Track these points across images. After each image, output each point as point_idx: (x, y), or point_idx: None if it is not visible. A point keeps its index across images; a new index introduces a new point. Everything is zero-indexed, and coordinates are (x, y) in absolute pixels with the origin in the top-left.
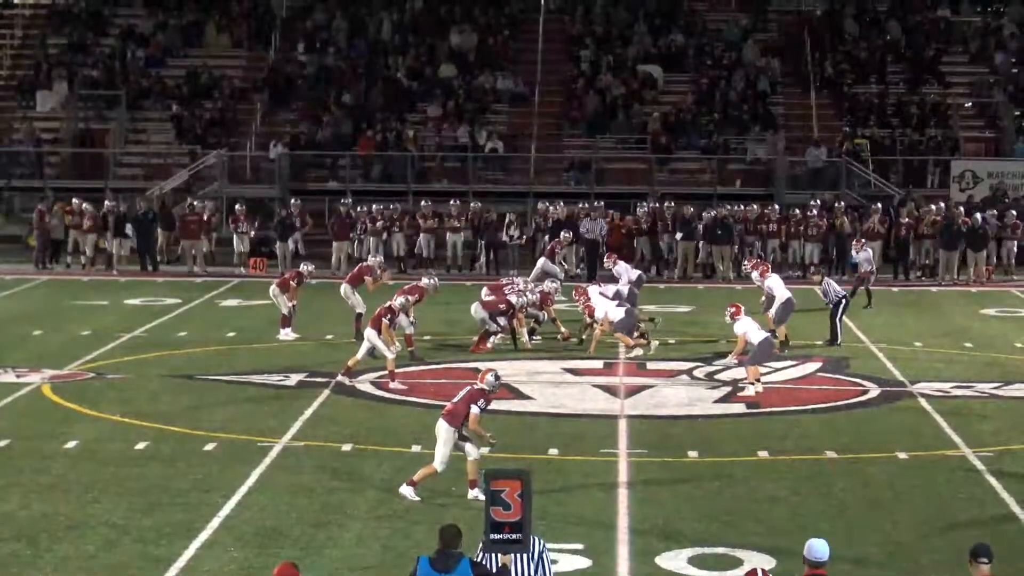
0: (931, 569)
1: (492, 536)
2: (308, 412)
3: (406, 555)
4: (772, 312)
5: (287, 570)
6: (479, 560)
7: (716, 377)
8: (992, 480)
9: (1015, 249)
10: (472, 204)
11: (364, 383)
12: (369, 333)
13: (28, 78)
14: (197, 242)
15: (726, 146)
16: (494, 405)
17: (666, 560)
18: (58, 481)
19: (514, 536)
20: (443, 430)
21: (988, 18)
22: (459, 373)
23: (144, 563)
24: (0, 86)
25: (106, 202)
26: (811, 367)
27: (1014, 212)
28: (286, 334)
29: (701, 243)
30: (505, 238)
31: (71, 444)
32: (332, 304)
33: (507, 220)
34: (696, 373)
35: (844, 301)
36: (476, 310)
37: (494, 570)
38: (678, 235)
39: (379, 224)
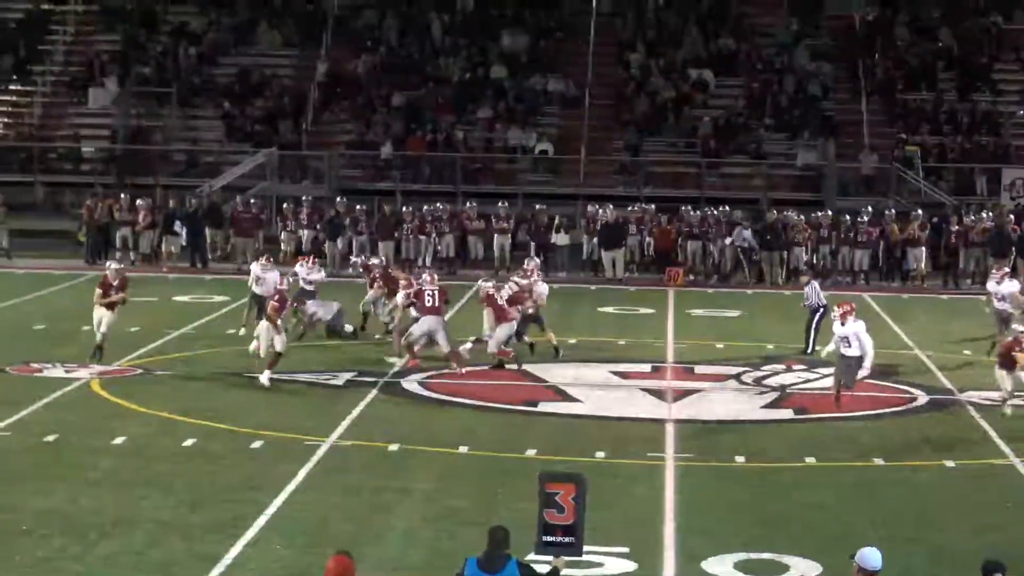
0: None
1: (544, 538)
2: (355, 411)
3: (452, 556)
4: (866, 369)
5: (344, 560)
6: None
7: (764, 382)
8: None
9: None
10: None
11: (412, 383)
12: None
13: (80, 75)
14: (249, 240)
15: (776, 151)
16: (544, 407)
17: (712, 565)
18: (106, 477)
19: (566, 539)
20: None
21: None
22: (503, 375)
23: (191, 560)
24: (53, 83)
25: (171, 201)
26: (861, 374)
27: None
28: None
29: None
30: (554, 240)
31: (119, 440)
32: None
33: (556, 222)
34: (744, 378)
35: (823, 310)
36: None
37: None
38: (727, 239)
39: (425, 224)
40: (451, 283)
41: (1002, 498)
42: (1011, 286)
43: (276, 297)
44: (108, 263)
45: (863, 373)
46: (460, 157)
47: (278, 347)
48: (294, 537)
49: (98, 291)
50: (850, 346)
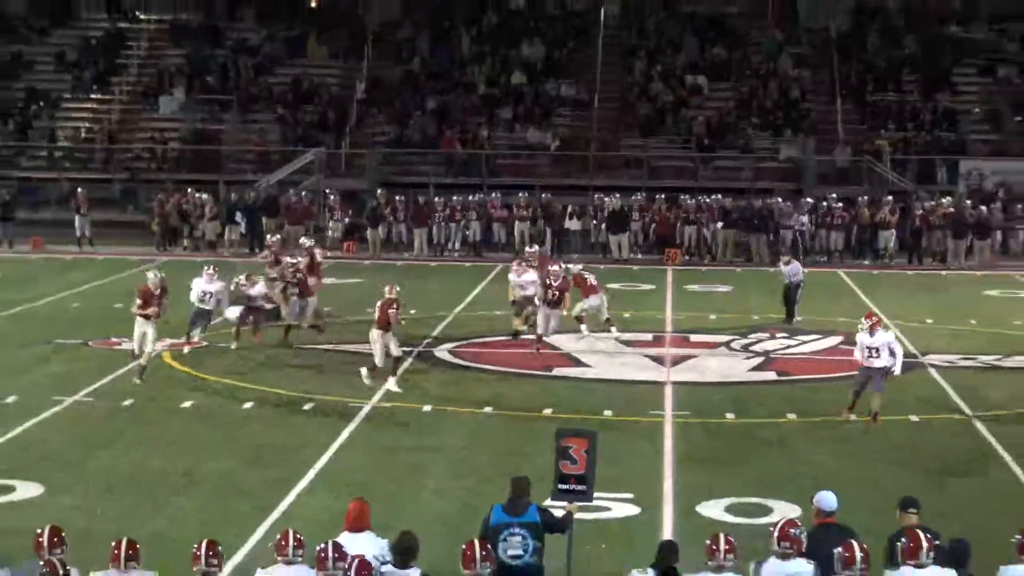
0: (941, 515)
1: (559, 486)
2: (394, 377)
3: (479, 509)
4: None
5: (360, 504)
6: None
7: (751, 349)
8: (992, 440)
9: (1021, 238)
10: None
11: (443, 352)
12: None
13: (152, 84)
14: (301, 227)
15: (762, 147)
16: (558, 372)
17: (706, 508)
18: (176, 438)
19: (579, 487)
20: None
21: (994, 34)
22: (521, 344)
23: (251, 511)
24: (128, 91)
25: (232, 195)
26: (834, 340)
27: (1020, 205)
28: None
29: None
30: (572, 226)
31: (186, 404)
32: (414, 283)
33: (569, 210)
34: (733, 345)
35: (801, 285)
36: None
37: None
38: (719, 224)
39: (455, 213)
40: (477, 264)
41: (960, 448)
42: None
43: (393, 305)
44: (148, 273)
45: (895, 371)
46: (485, 153)
47: (395, 352)
48: (339, 490)
49: (138, 301)
50: (879, 356)
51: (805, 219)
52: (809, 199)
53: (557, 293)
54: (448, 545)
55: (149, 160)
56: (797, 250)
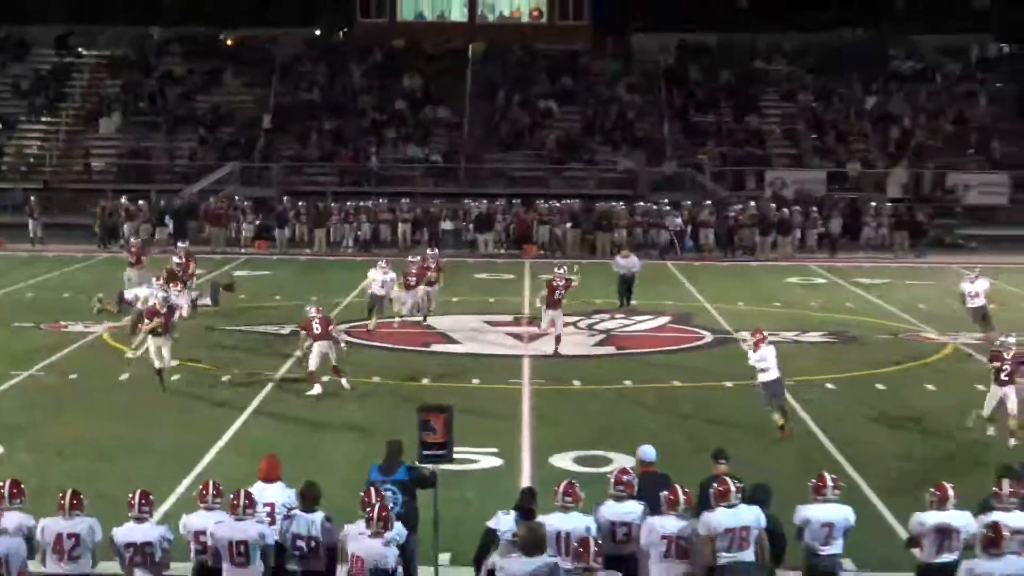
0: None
1: (424, 452)
2: (297, 352)
3: (367, 463)
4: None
5: (272, 459)
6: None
7: (594, 328)
8: (794, 403)
9: (815, 235)
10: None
11: (339, 332)
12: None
13: (93, 109)
14: (223, 229)
15: (604, 160)
16: (434, 348)
17: (557, 460)
18: (115, 407)
19: (440, 452)
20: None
21: (794, 68)
22: (409, 326)
23: (178, 467)
24: (73, 115)
25: (161, 202)
26: (663, 320)
27: (814, 208)
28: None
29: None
30: (446, 226)
31: (124, 377)
32: (315, 276)
33: (443, 213)
34: (580, 324)
35: (635, 276)
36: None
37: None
38: (567, 224)
39: (349, 216)
40: (367, 258)
41: (766, 409)
42: (982, 284)
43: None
44: (147, 295)
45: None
46: (373, 167)
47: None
48: (252, 451)
49: (146, 321)
50: (767, 370)
51: (679, 220)
52: (679, 204)
53: (563, 293)
54: (344, 493)
55: (91, 172)
56: (674, 246)
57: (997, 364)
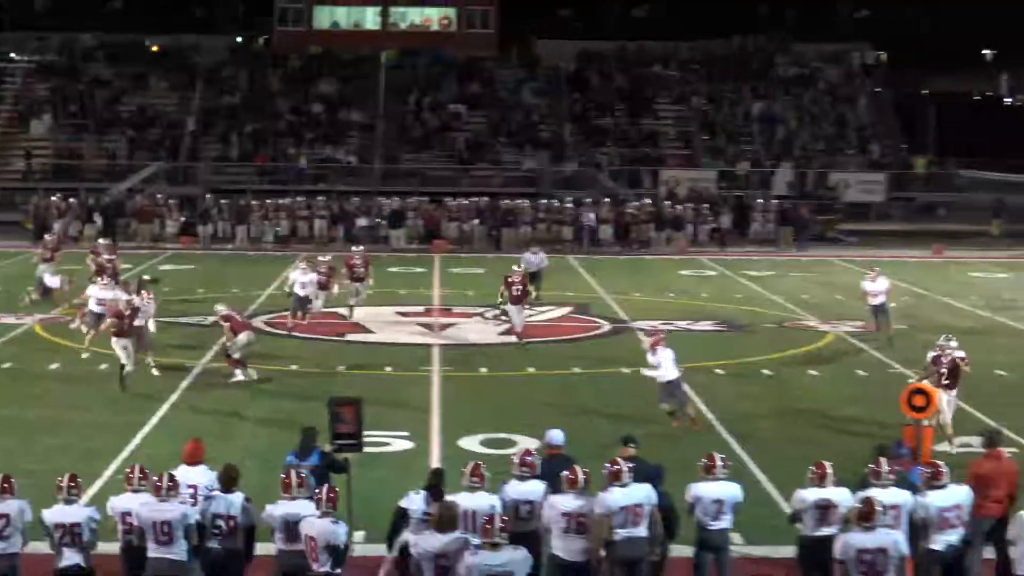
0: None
1: (336, 442)
2: (220, 341)
3: (285, 447)
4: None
5: (195, 443)
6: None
7: (500, 318)
8: (686, 387)
9: (706, 230)
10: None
11: (258, 322)
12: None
13: (24, 112)
14: (150, 225)
15: (509, 160)
16: (349, 337)
17: (465, 442)
18: (45, 392)
19: (352, 441)
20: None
21: (687, 73)
22: (331, 317)
23: (105, 451)
24: (5, 118)
25: (90, 199)
26: (564, 310)
27: (705, 205)
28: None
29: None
30: (361, 223)
31: (54, 366)
32: (237, 269)
33: (358, 210)
34: (486, 315)
35: (542, 270)
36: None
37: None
38: (475, 221)
39: (268, 213)
40: (286, 253)
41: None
42: (883, 283)
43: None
44: (120, 295)
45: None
46: (291, 166)
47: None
48: (177, 432)
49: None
50: (664, 371)
51: (593, 216)
52: (589, 200)
53: (520, 289)
54: (261, 475)
55: (24, 172)
56: (588, 240)
57: (936, 368)
